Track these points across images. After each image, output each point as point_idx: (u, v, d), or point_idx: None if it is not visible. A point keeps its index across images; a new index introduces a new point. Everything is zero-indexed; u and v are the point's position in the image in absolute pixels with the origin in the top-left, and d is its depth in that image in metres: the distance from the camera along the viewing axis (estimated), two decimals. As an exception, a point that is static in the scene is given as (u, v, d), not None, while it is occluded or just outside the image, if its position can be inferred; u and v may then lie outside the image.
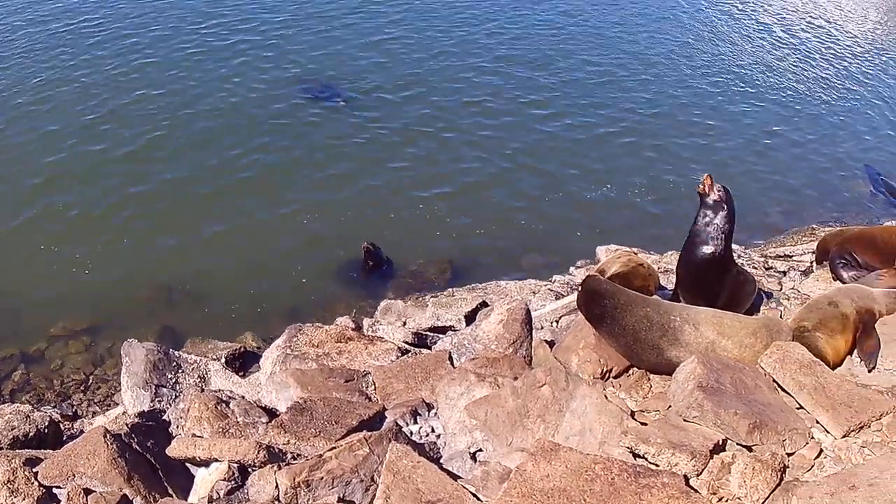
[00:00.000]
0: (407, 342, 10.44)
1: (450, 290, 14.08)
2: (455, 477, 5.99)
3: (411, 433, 7.40)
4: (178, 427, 8.21)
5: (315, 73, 22.80)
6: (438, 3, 29.11)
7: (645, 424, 6.28)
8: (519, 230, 16.97)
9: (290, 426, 7.26)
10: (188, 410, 8.07)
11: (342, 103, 21.14)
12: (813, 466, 5.93)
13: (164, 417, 8.62)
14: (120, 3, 26.93)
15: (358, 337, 10.06)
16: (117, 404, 10.73)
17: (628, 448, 5.79)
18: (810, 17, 35.70)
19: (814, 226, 18.17)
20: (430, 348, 10.30)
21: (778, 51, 30.99)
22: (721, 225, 8.88)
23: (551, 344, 8.72)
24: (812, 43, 32.60)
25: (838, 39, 33.61)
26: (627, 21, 30.91)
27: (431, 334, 11.18)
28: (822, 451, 6.08)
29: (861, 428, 6.26)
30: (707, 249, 8.90)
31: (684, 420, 6.16)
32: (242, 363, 11.08)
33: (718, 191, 8.90)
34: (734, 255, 11.69)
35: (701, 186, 8.95)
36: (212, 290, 14.48)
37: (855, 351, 8.01)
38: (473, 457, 6.80)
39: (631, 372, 7.75)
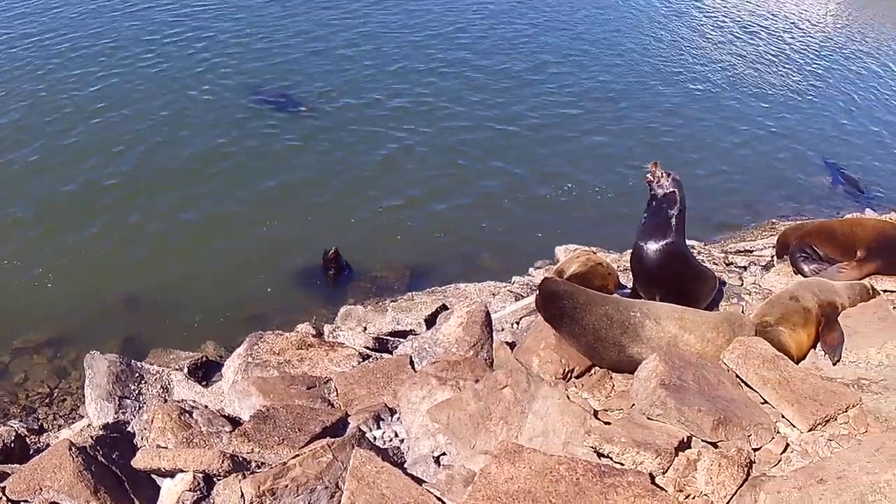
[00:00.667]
0: (368, 347, 10.56)
1: (409, 294, 14.25)
2: (419, 481, 6.04)
3: (374, 438, 7.47)
4: (142, 438, 8.22)
5: (272, 81, 23.14)
6: (392, 9, 29.50)
7: (608, 424, 6.36)
8: (478, 232, 17.31)
9: (253, 434, 7.32)
10: (152, 421, 8.09)
11: (300, 111, 21.46)
12: (780, 461, 6.03)
13: (128, 429, 8.61)
14: (68, 14, 27.08)
15: (319, 343, 10.17)
16: (82, 417, 10.75)
17: (592, 448, 5.86)
18: (767, 13, 36.43)
19: (773, 220, 18.51)
20: (391, 353, 10.39)
21: (735, 47, 31.66)
22: (671, 214, 8.94)
23: (512, 345, 8.79)
24: (770, 39, 33.33)
25: (795, 34, 34.41)
26: (584, 22, 31.59)
27: (392, 339, 11.28)
28: (788, 445, 6.18)
29: (827, 421, 6.38)
30: (658, 241, 8.96)
31: (648, 418, 6.24)
32: (205, 372, 11.14)
33: (667, 178, 8.94)
34: (694, 251, 11.89)
35: (649, 175, 9.01)
36: (173, 299, 14.64)
37: (818, 344, 8.16)
38: (437, 461, 6.86)
39: (593, 371, 7.83)
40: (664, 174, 8.96)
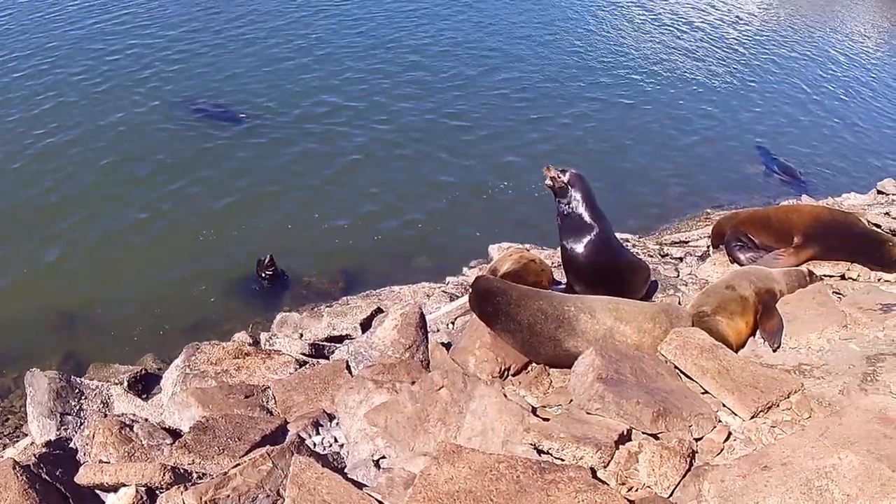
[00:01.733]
0: (304, 354, 10.69)
1: (344, 298, 14.44)
2: (360, 486, 6.11)
3: (314, 445, 7.56)
4: (84, 454, 8.25)
5: (208, 92, 23.48)
6: (333, 18, 30.26)
7: (547, 420, 6.49)
8: (413, 234, 17.72)
9: (193, 446, 7.38)
10: (93, 437, 8.13)
11: (233, 121, 21.80)
12: (723, 450, 6.20)
13: (71, 445, 8.63)
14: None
15: (255, 352, 10.26)
16: (26, 435, 10.73)
17: (532, 445, 5.98)
18: (701, 6, 37.28)
19: (708, 210, 18.89)
20: (327, 358, 10.51)
21: (669, 41, 32.68)
22: (577, 208, 9.28)
23: (448, 346, 8.93)
24: (703, 31, 34.50)
25: (728, 26, 35.63)
26: (524, 23, 32.56)
27: (328, 344, 11.43)
28: (730, 433, 6.36)
29: (769, 408, 6.58)
30: (580, 236, 9.29)
31: (587, 413, 6.38)
32: (144, 385, 11.14)
33: (564, 175, 9.23)
34: (629, 244, 12.12)
35: (548, 181, 9.28)
36: (111, 313, 14.80)
37: (758, 332, 8.38)
38: (377, 464, 6.94)
39: (530, 368, 8.01)
40: (559, 173, 9.21)
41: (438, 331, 10.58)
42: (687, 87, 28.01)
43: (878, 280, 10.66)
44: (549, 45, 30.04)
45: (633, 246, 13.72)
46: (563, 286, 10.22)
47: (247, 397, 8.79)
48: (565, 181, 9.22)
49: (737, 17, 37.28)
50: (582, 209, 9.27)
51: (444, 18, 31.16)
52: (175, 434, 8.39)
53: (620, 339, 7.61)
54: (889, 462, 5.45)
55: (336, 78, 25.05)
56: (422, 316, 9.36)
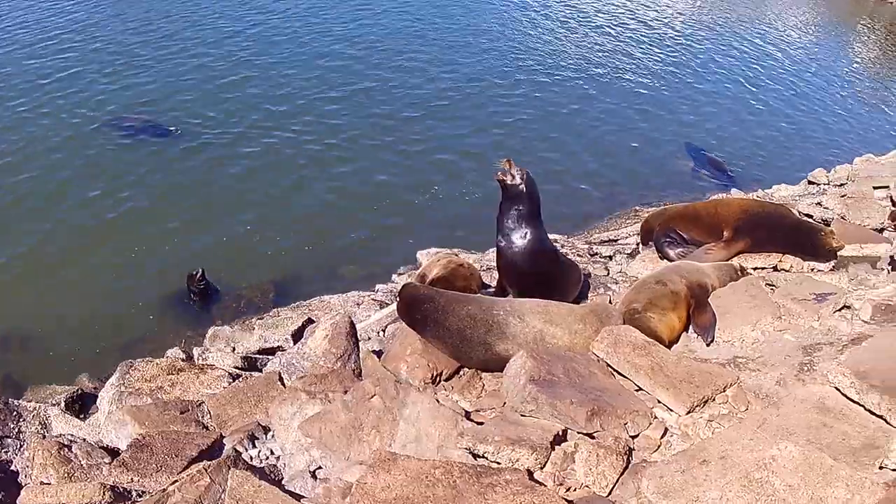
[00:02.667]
0: (237, 367, 10.79)
1: (275, 310, 14.60)
2: (298, 497, 6.18)
3: (251, 458, 7.62)
4: (25, 476, 8.26)
5: (134, 107, 23.47)
6: (258, 32, 30.29)
7: (481, 424, 6.59)
8: (341, 243, 17.91)
9: (131, 464, 7.46)
10: (33, 458, 8.18)
11: (160, 135, 21.81)
12: (660, 446, 6.37)
13: (12, 468, 8.62)
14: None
15: (189, 367, 10.37)
16: None
17: (467, 449, 6.08)
18: (629, 3, 37.91)
19: (637, 207, 19.18)
20: (260, 371, 10.57)
21: (597, 38, 33.59)
22: (524, 212, 9.42)
23: (380, 354, 9.12)
24: (631, 28, 35.31)
25: (657, 23, 36.18)
26: (452, 27, 33.10)
27: (261, 357, 11.52)
28: (667, 430, 6.53)
29: (705, 402, 6.77)
30: (518, 238, 9.44)
31: (521, 415, 6.51)
32: (82, 405, 11.15)
33: (519, 174, 9.36)
34: (558, 244, 12.28)
35: (500, 173, 9.36)
36: (45, 334, 14.77)
37: (690, 327, 8.56)
38: (314, 475, 7.01)
39: (462, 373, 8.18)
40: (517, 171, 9.32)
41: (370, 339, 10.75)
42: (615, 86, 28.46)
43: (812, 270, 10.94)
44: (480, 48, 30.36)
45: (563, 246, 13.92)
46: (493, 289, 10.36)
47: (182, 413, 8.87)
48: (519, 180, 9.34)
49: (665, 15, 37.97)
50: (526, 212, 9.41)
51: (378, 28, 31.30)
52: (113, 453, 8.45)
53: (551, 341, 7.78)
54: (830, 451, 5.65)
55: (266, 91, 25.13)
56: (352, 325, 9.47)
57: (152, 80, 25.34)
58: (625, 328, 7.82)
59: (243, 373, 10.50)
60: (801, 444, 5.63)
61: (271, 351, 11.93)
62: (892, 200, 14.15)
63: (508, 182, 9.36)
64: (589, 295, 10.59)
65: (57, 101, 23.45)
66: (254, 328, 12.91)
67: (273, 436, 7.98)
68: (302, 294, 15.24)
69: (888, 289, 9.10)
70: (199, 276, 15.48)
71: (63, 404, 10.73)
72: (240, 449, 7.72)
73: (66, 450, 8.23)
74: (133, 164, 20.47)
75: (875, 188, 15.36)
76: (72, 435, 9.21)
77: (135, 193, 19.19)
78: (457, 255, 12.92)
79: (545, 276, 9.53)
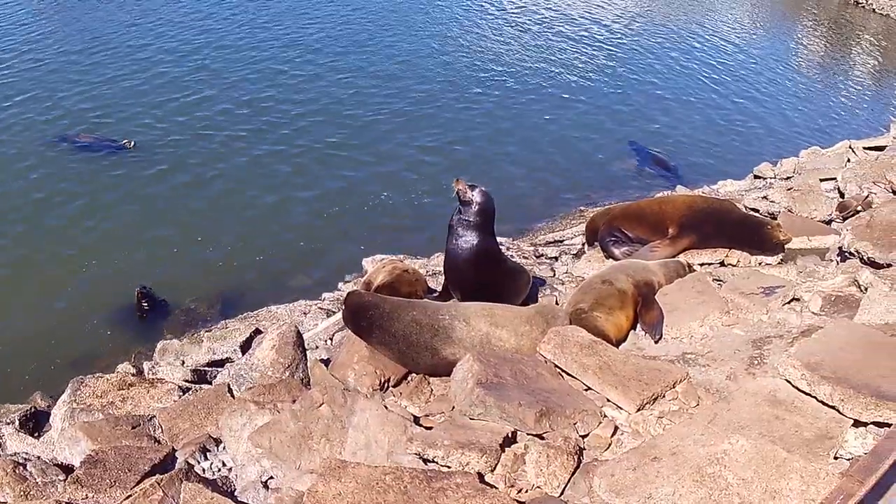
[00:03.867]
0: (187, 380, 10.95)
1: (223, 322, 14.76)
2: (250, 507, 6.27)
3: (203, 470, 7.69)
4: None
5: (80, 122, 23.46)
6: (201, 43, 30.38)
7: (430, 428, 6.69)
8: (289, 253, 18.07)
9: (85, 480, 7.49)
10: None
11: (105, 150, 21.76)
12: (611, 444, 6.49)
13: None
14: None
15: (139, 382, 10.47)
16: None
17: (417, 454, 6.17)
18: (566, 5, 38.31)
19: (582, 208, 19.43)
20: (210, 383, 10.66)
21: (540, 39, 34.04)
22: (476, 222, 9.66)
23: (327, 362, 9.26)
24: (574, 28, 35.55)
25: (601, 23, 36.61)
26: (395, 34, 33.42)
27: (210, 369, 11.64)
28: (617, 428, 6.66)
29: (655, 399, 6.91)
30: (468, 243, 9.65)
31: (470, 418, 6.61)
32: (35, 423, 11.20)
33: (472, 191, 9.59)
34: (503, 248, 12.43)
35: (455, 192, 9.60)
36: None
37: (638, 325, 8.71)
38: (265, 485, 7.08)
39: (410, 378, 8.30)
40: (468, 188, 9.56)
41: (317, 348, 10.95)
42: (557, 88, 28.80)
43: (759, 264, 11.11)
44: (424, 57, 30.60)
45: (508, 249, 14.08)
46: (437, 294, 10.51)
47: (134, 428, 8.94)
48: (472, 195, 9.62)
49: (606, 14, 38.42)
50: (475, 221, 9.64)
51: (326, 40, 31.39)
52: (68, 470, 8.49)
53: (498, 344, 7.91)
54: (783, 443, 5.80)
55: (216, 102, 25.17)
56: (298, 334, 9.60)
57: (102, 95, 25.29)
58: (571, 328, 7.95)
59: (193, 386, 10.64)
60: (753, 438, 5.78)
61: (220, 363, 12.07)
62: (839, 192, 14.40)
63: (463, 198, 9.66)
64: (538, 297, 10.73)
65: (5, 120, 23.39)
66: (202, 341, 13.03)
67: (224, 447, 8.05)
68: (250, 305, 15.37)
69: (837, 280, 9.28)
70: (147, 290, 15.72)
71: (17, 423, 10.85)
72: (192, 462, 7.79)
73: (22, 468, 8.28)
74: (82, 180, 20.51)
75: (822, 180, 15.62)
76: (26, 453, 9.30)
77: (84, 209, 19.25)
78: (402, 260, 13.05)
79: (491, 279, 9.71)
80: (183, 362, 12.36)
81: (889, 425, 5.70)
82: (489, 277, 9.72)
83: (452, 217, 9.85)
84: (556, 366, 7.46)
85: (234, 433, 7.82)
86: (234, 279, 16.99)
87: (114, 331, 15.45)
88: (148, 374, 11.69)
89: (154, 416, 9.23)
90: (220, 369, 11.51)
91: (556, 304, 10.01)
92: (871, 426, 6.02)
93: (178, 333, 14.81)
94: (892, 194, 12.91)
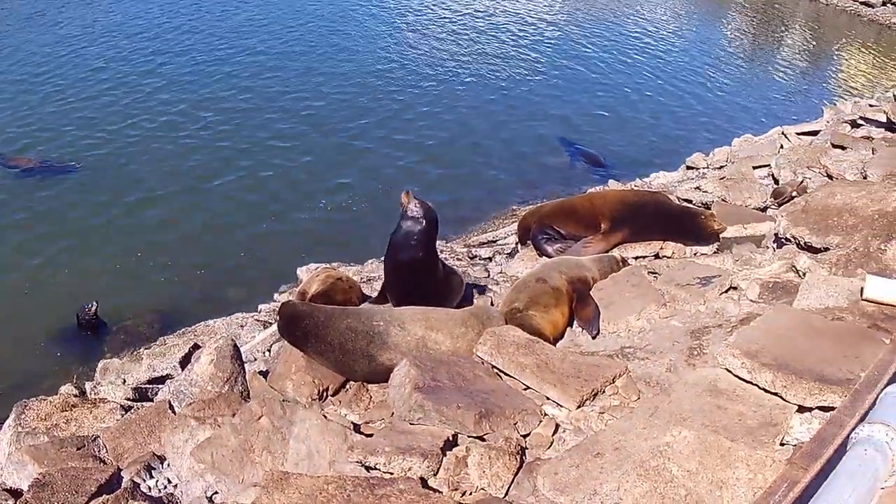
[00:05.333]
0: (129, 399, 10.89)
1: (162, 338, 14.72)
2: (197, 523, 6.31)
3: (149, 488, 7.72)
4: None
5: (14, 142, 23.23)
6: (130, 56, 30.26)
7: (371, 436, 6.77)
8: (224, 266, 18.07)
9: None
10: None
11: (39, 169, 21.61)
12: (553, 443, 6.59)
13: None
14: None
15: (82, 402, 10.43)
16: None
17: (358, 462, 6.24)
18: (496, 7, 38.75)
19: (514, 206, 19.59)
20: (151, 400, 10.66)
21: (466, 38, 34.26)
22: (418, 233, 9.79)
23: (266, 374, 9.34)
24: (501, 27, 35.89)
25: (520, 21, 36.87)
26: (329, 38, 33.76)
27: (151, 386, 11.62)
28: (558, 426, 6.76)
29: (595, 395, 7.04)
30: (406, 256, 9.81)
31: (410, 424, 6.67)
32: None
33: (417, 205, 9.74)
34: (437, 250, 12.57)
35: (401, 203, 9.73)
36: None
37: (575, 322, 8.84)
38: (211, 500, 7.13)
39: (348, 386, 8.38)
40: (415, 202, 9.70)
41: (256, 360, 11.04)
42: (486, 86, 29.09)
43: (694, 255, 11.32)
44: (351, 62, 30.69)
45: (441, 252, 14.16)
46: (374, 298, 10.64)
47: (79, 449, 8.95)
48: (415, 208, 9.78)
49: (534, 10, 38.78)
50: (418, 233, 9.77)
51: (254, 49, 31.37)
52: (17, 494, 8.52)
53: (434, 347, 8.01)
54: (727, 433, 5.93)
55: (145, 121, 24.86)
56: (235, 347, 9.64)
57: (32, 118, 25.00)
58: (507, 328, 8.08)
59: (135, 404, 10.62)
60: (696, 429, 5.92)
61: (161, 380, 12.09)
62: (773, 178, 14.66)
63: (407, 212, 9.76)
64: (473, 299, 10.84)
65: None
66: (143, 358, 13.06)
67: (169, 464, 8.09)
68: (188, 320, 15.37)
69: (774, 266, 9.48)
70: (87, 309, 15.69)
71: (-35, 449, 10.81)
72: (137, 480, 7.82)
73: (-30, 495, 8.29)
74: (18, 203, 20.32)
75: (755, 168, 15.90)
76: (-26, 480, 9.31)
77: (22, 232, 19.14)
78: (336, 268, 13.15)
79: (427, 285, 9.82)
80: (124, 381, 12.36)
81: (835, 409, 5.81)
82: (427, 287, 9.84)
83: (397, 229, 9.96)
84: (494, 366, 7.57)
85: (176, 450, 7.87)
86: (173, 295, 17.01)
87: (56, 352, 15.44)
88: (90, 394, 11.69)
89: (98, 437, 9.22)
90: (160, 386, 11.55)
91: (492, 304, 10.16)
92: (817, 411, 6.17)
93: (119, 352, 14.82)
94: (827, 178, 13.13)
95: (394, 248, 9.94)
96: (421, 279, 9.86)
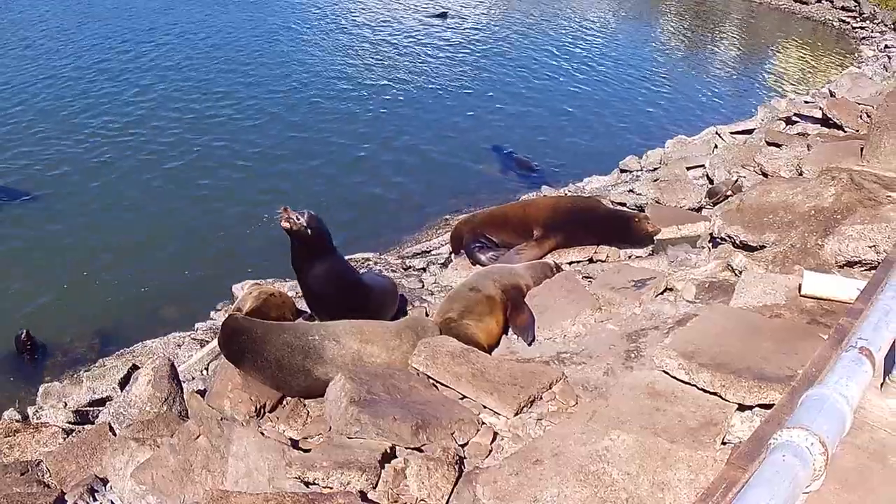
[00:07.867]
0: (70, 422, 10.97)
1: (101, 360, 14.63)
2: (141, 545, 6.35)
3: None
4: None
5: None
6: (67, 73, 30.21)
7: (309, 451, 6.82)
8: (160, 286, 17.94)
9: None
10: None
11: None
12: (492, 451, 6.69)
13: None
14: None
15: (24, 427, 10.54)
16: None
17: (297, 478, 6.30)
18: (427, 6, 39.01)
19: (447, 216, 19.65)
20: (93, 423, 10.70)
21: (395, 48, 34.44)
22: (316, 245, 9.93)
23: (203, 393, 9.39)
24: (430, 35, 36.16)
25: (446, 27, 36.80)
26: (276, 52, 33.96)
27: (92, 409, 11.69)
28: (496, 434, 6.86)
29: (532, 402, 7.14)
30: (313, 268, 9.99)
31: (347, 438, 6.75)
32: None
33: (302, 216, 9.79)
34: (370, 262, 12.65)
35: (285, 223, 9.78)
36: None
37: (510, 329, 8.95)
38: (154, 522, 7.18)
39: (285, 402, 8.42)
40: (298, 215, 9.73)
41: (194, 379, 11.09)
42: (415, 96, 29.19)
43: (629, 258, 11.49)
44: (283, 77, 30.73)
45: (375, 264, 14.27)
46: (307, 314, 10.71)
47: (23, 474, 9.00)
48: (304, 223, 9.71)
49: (462, 13, 38.93)
50: (317, 247, 9.82)
51: (189, 67, 31.34)
52: None
53: (370, 360, 8.10)
54: (667, 434, 6.04)
55: (85, 140, 24.75)
56: (172, 367, 9.70)
57: None
58: (441, 338, 8.18)
59: (77, 427, 10.71)
60: (635, 432, 6.02)
61: (101, 402, 12.14)
62: (708, 178, 14.88)
63: (293, 228, 9.76)
64: (407, 310, 10.92)
65: None
66: (83, 381, 13.07)
67: (111, 487, 8.13)
68: (126, 341, 15.30)
69: (710, 266, 9.66)
70: (24, 335, 15.65)
71: (-90, 481, 10.79)
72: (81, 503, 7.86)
73: (-82, 527, 8.29)
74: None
75: (689, 168, 16.13)
76: (-80, 510, 9.31)
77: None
78: (270, 284, 13.21)
79: (349, 299, 9.89)
80: (65, 404, 12.40)
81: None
82: (346, 296, 9.92)
83: (292, 251, 10.05)
84: (429, 377, 7.66)
85: (118, 472, 7.91)
86: (111, 316, 16.94)
87: (-5, 379, 15.58)
88: (32, 418, 11.73)
89: (41, 461, 9.29)
90: (101, 408, 11.62)
91: (426, 315, 10.24)
92: (757, 408, 6.30)
93: (60, 375, 14.74)
94: (762, 176, 13.35)
95: (300, 272, 10.13)
96: (343, 288, 10.02)
